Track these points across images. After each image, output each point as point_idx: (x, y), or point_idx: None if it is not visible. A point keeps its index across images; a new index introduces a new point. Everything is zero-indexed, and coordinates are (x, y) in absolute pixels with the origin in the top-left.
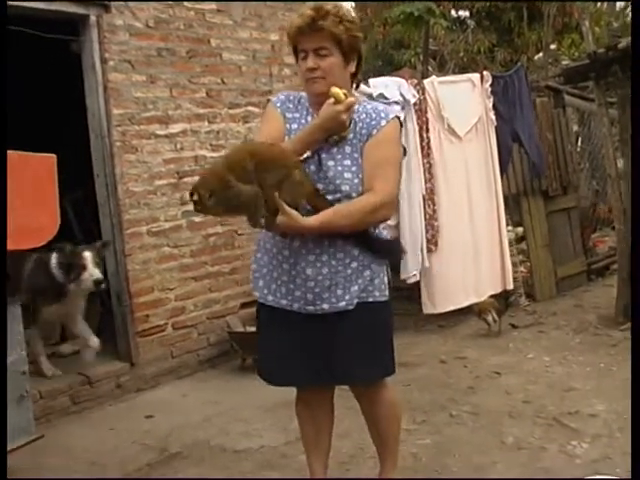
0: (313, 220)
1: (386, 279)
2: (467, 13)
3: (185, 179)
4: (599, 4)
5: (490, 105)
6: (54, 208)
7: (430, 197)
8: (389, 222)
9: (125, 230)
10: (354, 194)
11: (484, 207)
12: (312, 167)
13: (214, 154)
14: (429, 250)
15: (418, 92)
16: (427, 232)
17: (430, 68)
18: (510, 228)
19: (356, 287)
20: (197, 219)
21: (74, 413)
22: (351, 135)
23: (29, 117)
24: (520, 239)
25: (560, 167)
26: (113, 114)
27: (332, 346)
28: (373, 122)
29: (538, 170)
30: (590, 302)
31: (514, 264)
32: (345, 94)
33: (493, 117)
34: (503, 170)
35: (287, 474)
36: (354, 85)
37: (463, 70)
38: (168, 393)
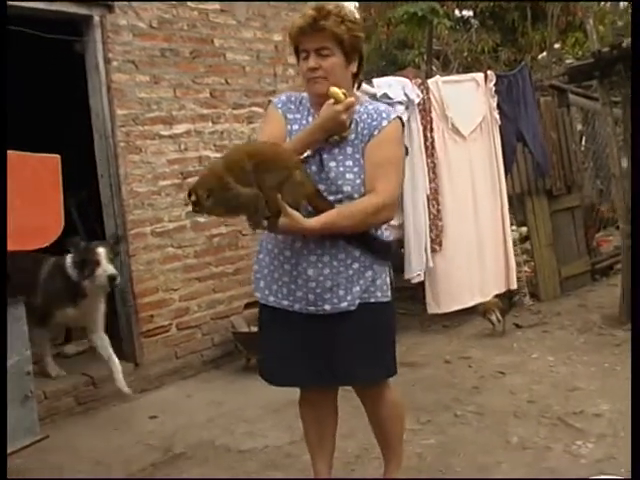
0: (315, 221)
1: (388, 280)
2: (471, 13)
3: (189, 180)
4: (603, 3)
5: (494, 104)
6: (58, 208)
7: (434, 197)
8: (393, 222)
9: (129, 231)
10: (356, 195)
11: (488, 207)
12: (314, 168)
13: (218, 155)
14: (433, 250)
15: (422, 92)
16: (431, 232)
17: (434, 68)
18: (514, 227)
19: (358, 288)
20: (201, 220)
21: (79, 414)
22: (352, 136)
23: (33, 118)
24: (524, 239)
25: (564, 166)
26: (117, 114)
27: (333, 347)
28: (374, 122)
29: (542, 169)
30: (594, 302)
31: (518, 264)
32: (345, 94)
33: (497, 116)
34: (507, 169)
35: (292, 474)
36: (355, 85)
37: (467, 70)
38: (172, 393)
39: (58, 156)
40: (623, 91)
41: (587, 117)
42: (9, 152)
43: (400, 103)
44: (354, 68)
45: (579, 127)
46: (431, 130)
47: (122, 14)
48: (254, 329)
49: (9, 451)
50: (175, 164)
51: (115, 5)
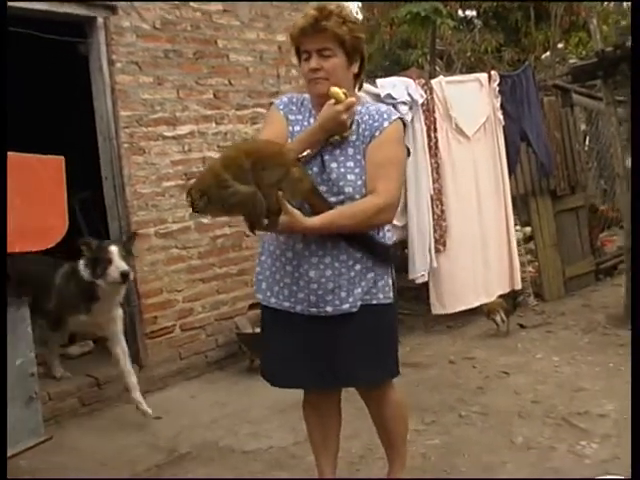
0: (315, 220)
1: (390, 281)
2: (474, 13)
3: (193, 181)
4: (606, 3)
5: (498, 105)
6: (63, 210)
7: (438, 197)
8: (397, 223)
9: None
10: (357, 196)
11: (492, 207)
12: (315, 169)
13: None
14: (437, 250)
15: (426, 92)
16: (435, 232)
17: (437, 68)
18: (518, 228)
19: (359, 289)
20: (205, 221)
21: (83, 415)
22: (354, 137)
23: (37, 119)
24: (528, 239)
25: (568, 166)
26: (121, 116)
27: (335, 348)
28: (376, 123)
29: (546, 169)
30: (598, 302)
31: (522, 264)
32: (345, 94)
33: (501, 117)
34: (511, 170)
35: (296, 474)
36: (357, 86)
37: (470, 70)
38: (176, 394)
39: (62, 157)
40: (627, 91)
41: (591, 117)
42: (13, 154)
43: (404, 103)
44: (355, 69)
45: (583, 127)
46: (435, 130)
47: (125, 16)
48: (258, 330)
49: (14, 452)
50: (179, 165)
51: (118, 7)
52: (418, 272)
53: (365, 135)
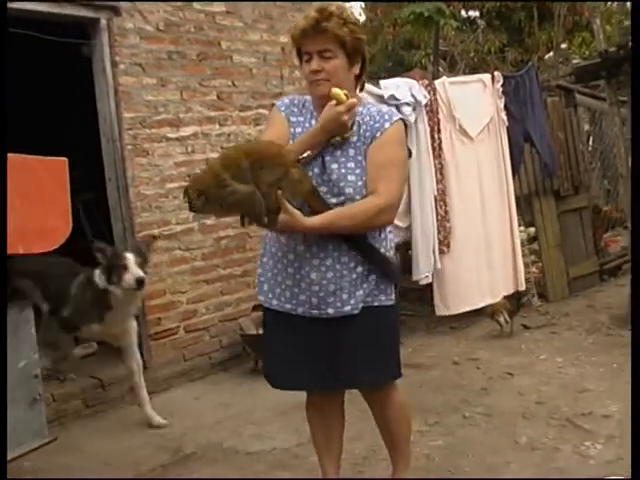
0: (315, 220)
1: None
2: (477, 13)
3: (191, 180)
4: (609, 3)
5: (501, 105)
6: (66, 211)
7: (442, 198)
8: (400, 224)
9: (137, 233)
10: (358, 197)
11: (496, 207)
12: (316, 170)
13: None
14: (441, 251)
15: (429, 93)
16: (439, 233)
17: (441, 69)
18: (522, 228)
19: (361, 291)
20: (208, 222)
21: (87, 416)
22: (355, 138)
23: (40, 121)
24: (532, 239)
25: (572, 167)
26: (124, 117)
27: (337, 350)
28: (377, 125)
29: (550, 170)
30: (602, 302)
31: (526, 264)
32: (346, 95)
33: (504, 117)
34: (515, 170)
35: (300, 475)
36: (359, 87)
37: (474, 70)
38: (180, 396)
39: (65, 159)
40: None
41: (594, 117)
42: (13, 155)
43: (407, 104)
44: (357, 70)
45: (586, 127)
46: (438, 131)
47: (129, 17)
48: (262, 331)
49: (18, 454)
50: (182, 166)
51: (122, 8)
52: (422, 273)
53: (366, 136)
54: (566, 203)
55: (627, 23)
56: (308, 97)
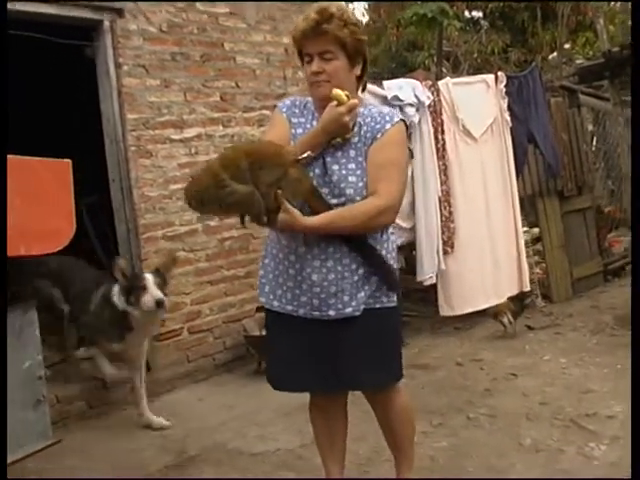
0: (315, 220)
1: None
2: (480, 14)
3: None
4: (613, 3)
5: (505, 106)
6: (70, 212)
7: (446, 199)
8: (404, 225)
9: (141, 235)
10: (358, 198)
11: (500, 208)
12: (317, 171)
13: None
14: (445, 252)
15: (433, 94)
16: (443, 234)
17: (444, 69)
18: (525, 229)
19: (363, 293)
20: (212, 223)
21: (91, 417)
22: (356, 139)
23: (44, 122)
24: (536, 240)
25: (575, 167)
26: (127, 119)
27: (338, 352)
28: (378, 126)
29: (553, 170)
30: (606, 303)
31: (530, 265)
32: (347, 96)
33: (508, 118)
34: (518, 171)
35: (304, 476)
36: (360, 88)
37: (477, 71)
38: (184, 397)
39: (69, 160)
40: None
41: (598, 117)
42: (13, 156)
43: (411, 105)
44: (358, 71)
45: (590, 127)
46: (442, 132)
47: (132, 19)
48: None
49: (22, 455)
50: (186, 168)
51: (125, 10)
52: (426, 274)
53: (367, 137)
54: (570, 203)
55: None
56: (309, 98)
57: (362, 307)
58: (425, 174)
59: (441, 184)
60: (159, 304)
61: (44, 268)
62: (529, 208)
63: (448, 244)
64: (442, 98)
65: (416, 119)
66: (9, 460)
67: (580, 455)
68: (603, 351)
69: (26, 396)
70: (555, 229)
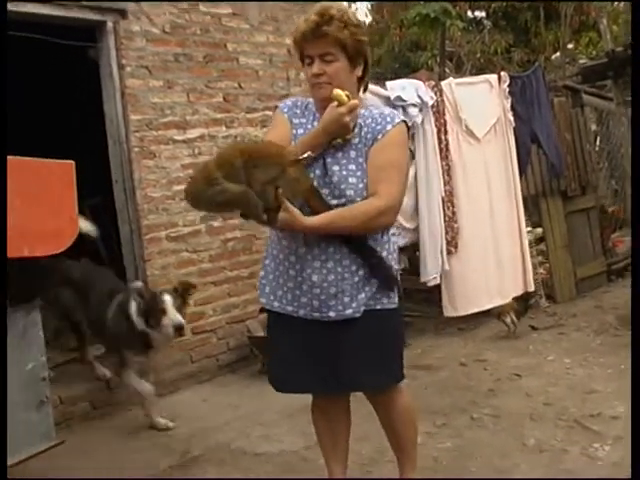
0: (315, 219)
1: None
2: (483, 14)
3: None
4: (616, 2)
5: (508, 106)
6: (73, 213)
7: (449, 199)
8: (408, 225)
9: (144, 235)
10: (358, 199)
11: (504, 208)
12: (317, 172)
13: None
14: (449, 252)
15: (436, 94)
16: (447, 234)
17: (447, 69)
18: (529, 229)
19: (363, 295)
20: (215, 224)
21: (94, 418)
22: (357, 140)
23: (47, 124)
24: (539, 240)
25: (579, 167)
26: (131, 120)
27: (338, 353)
28: (379, 127)
29: (557, 170)
30: (610, 303)
31: (533, 265)
32: (348, 96)
33: (511, 118)
34: (522, 171)
35: (307, 477)
36: (361, 89)
37: (480, 71)
38: (188, 398)
39: (72, 162)
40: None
41: (601, 117)
42: (13, 157)
43: (414, 105)
44: (359, 72)
45: (593, 127)
46: (445, 132)
47: (135, 20)
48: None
49: (25, 456)
50: (189, 169)
51: (128, 11)
52: (430, 275)
53: (368, 138)
54: (573, 203)
55: None
56: (311, 99)
57: (362, 308)
58: (428, 174)
59: (444, 184)
60: (178, 329)
61: (66, 275)
62: (532, 208)
63: (452, 244)
64: (445, 98)
65: (419, 119)
66: (13, 461)
67: (584, 455)
68: (607, 351)
69: (29, 397)
70: (559, 229)
